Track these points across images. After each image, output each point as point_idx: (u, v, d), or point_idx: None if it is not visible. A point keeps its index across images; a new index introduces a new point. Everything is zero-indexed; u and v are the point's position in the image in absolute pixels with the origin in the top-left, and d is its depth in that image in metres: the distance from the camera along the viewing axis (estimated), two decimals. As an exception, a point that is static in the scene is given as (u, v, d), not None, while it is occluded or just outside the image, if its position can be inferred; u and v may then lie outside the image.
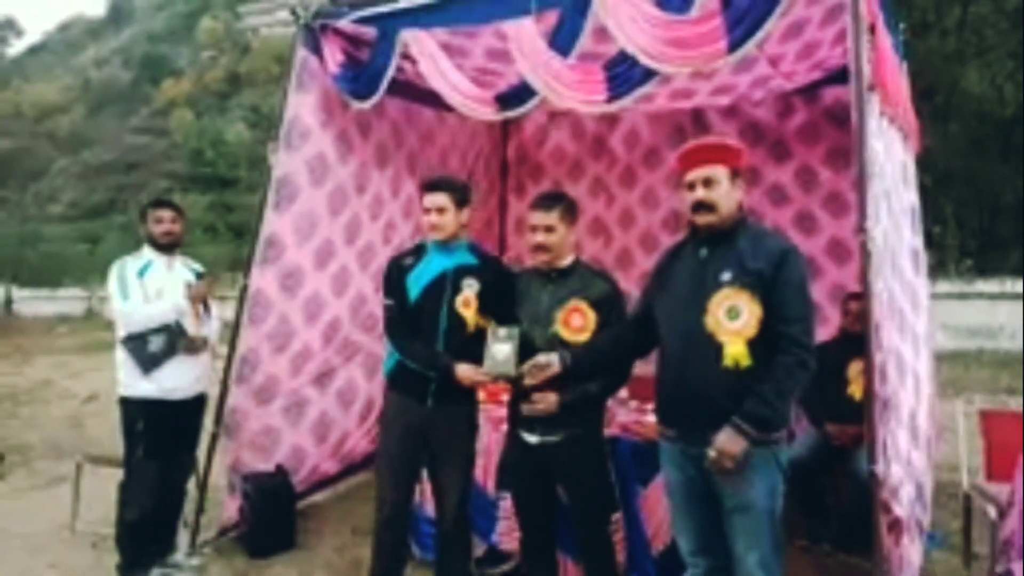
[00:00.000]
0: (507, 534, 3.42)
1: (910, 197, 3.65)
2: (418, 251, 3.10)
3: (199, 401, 3.68)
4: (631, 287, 4.43)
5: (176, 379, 3.50)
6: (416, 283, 3.00)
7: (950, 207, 12.38)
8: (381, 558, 3.07)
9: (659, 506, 3.09)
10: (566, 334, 2.77)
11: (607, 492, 2.97)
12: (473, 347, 2.88)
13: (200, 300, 3.62)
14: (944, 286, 10.98)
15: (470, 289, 2.96)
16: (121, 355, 3.50)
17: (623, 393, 3.66)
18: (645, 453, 3.13)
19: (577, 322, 2.78)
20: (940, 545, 3.75)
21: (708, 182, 2.42)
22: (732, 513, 2.39)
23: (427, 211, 3.00)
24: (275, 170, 3.90)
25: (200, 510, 3.95)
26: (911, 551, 2.74)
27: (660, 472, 2.99)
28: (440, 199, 2.97)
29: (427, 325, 2.97)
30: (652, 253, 5.01)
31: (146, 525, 3.49)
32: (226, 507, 4.05)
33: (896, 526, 2.54)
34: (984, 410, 3.84)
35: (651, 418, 3.23)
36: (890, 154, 3.07)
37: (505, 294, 2.97)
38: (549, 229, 2.82)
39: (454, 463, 3.03)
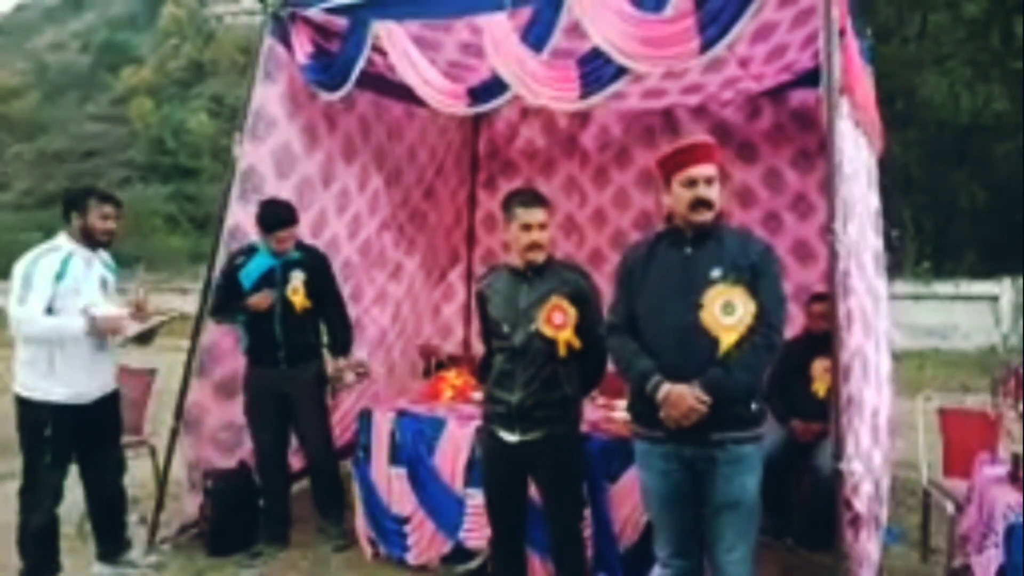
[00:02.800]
0: (474, 531, 3.41)
1: (873, 200, 3.72)
2: (249, 251, 3.77)
3: (111, 398, 3.52)
4: (603, 287, 4.46)
5: (86, 383, 3.34)
6: (247, 277, 3.69)
7: (908, 210, 12.68)
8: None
9: (627, 503, 3.10)
10: (548, 331, 2.76)
11: (581, 490, 2.97)
12: (302, 324, 3.74)
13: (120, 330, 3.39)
14: (901, 287, 11.24)
15: (297, 279, 3.70)
16: (26, 354, 3.26)
17: (591, 390, 3.66)
18: (614, 450, 3.14)
19: (559, 319, 2.77)
20: (898, 540, 3.83)
21: (710, 180, 2.43)
22: (721, 510, 2.40)
23: None
24: (240, 161, 3.82)
25: (159, 507, 3.86)
26: (870, 546, 2.80)
27: (628, 469, 3.01)
28: None
29: (265, 311, 3.65)
30: (624, 253, 5.02)
31: (51, 529, 3.34)
32: (187, 504, 3.96)
33: (856, 522, 2.59)
34: (943, 408, 3.92)
35: (620, 415, 3.25)
36: (857, 156, 3.12)
37: (330, 280, 3.88)
38: (543, 226, 2.81)
39: (309, 412, 3.81)
